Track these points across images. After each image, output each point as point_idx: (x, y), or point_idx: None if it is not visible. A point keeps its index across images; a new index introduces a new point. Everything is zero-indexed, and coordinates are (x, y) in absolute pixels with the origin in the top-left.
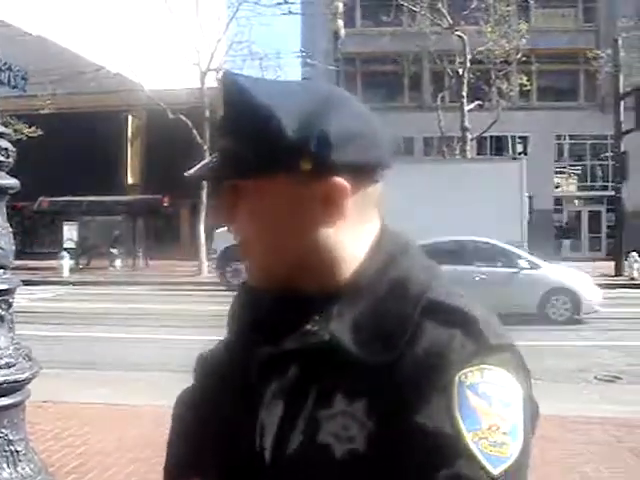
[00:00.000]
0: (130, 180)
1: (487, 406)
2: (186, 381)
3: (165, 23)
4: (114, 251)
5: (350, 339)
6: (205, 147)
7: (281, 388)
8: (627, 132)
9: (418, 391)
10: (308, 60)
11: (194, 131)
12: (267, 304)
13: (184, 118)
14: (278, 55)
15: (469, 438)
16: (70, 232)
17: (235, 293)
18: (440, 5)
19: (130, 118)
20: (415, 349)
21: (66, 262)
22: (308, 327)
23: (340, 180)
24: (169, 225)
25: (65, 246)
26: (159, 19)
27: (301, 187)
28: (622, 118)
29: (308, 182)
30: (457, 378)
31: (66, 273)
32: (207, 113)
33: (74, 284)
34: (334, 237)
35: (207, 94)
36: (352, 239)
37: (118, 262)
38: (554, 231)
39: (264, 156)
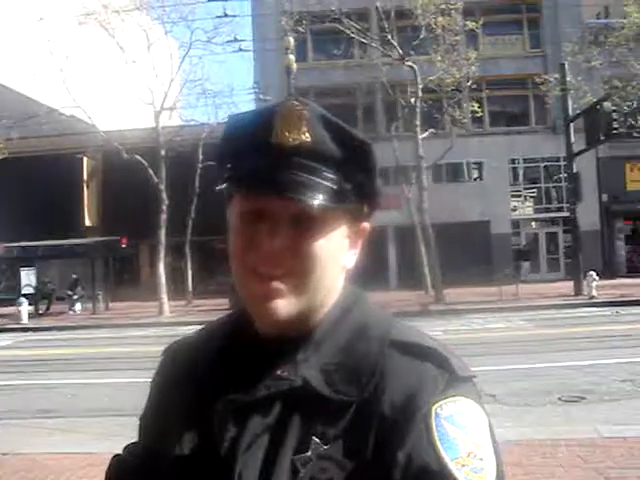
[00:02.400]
0: (88, 222)
1: (464, 435)
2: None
3: (117, 63)
4: (73, 295)
5: (321, 382)
6: (162, 187)
7: (256, 437)
8: (578, 153)
9: (397, 426)
10: (261, 96)
11: (150, 170)
12: (223, 357)
13: (140, 158)
14: (232, 92)
15: (453, 467)
16: (28, 278)
17: (160, 361)
18: (390, 37)
19: (85, 160)
20: (388, 386)
21: (24, 308)
22: (278, 373)
23: (367, 223)
24: (129, 266)
25: (23, 292)
26: (111, 60)
27: (354, 225)
28: (573, 139)
29: (357, 221)
30: (434, 410)
31: (25, 319)
32: (162, 152)
33: (33, 330)
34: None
35: (162, 133)
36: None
37: (78, 306)
38: (513, 254)
39: (365, 187)
